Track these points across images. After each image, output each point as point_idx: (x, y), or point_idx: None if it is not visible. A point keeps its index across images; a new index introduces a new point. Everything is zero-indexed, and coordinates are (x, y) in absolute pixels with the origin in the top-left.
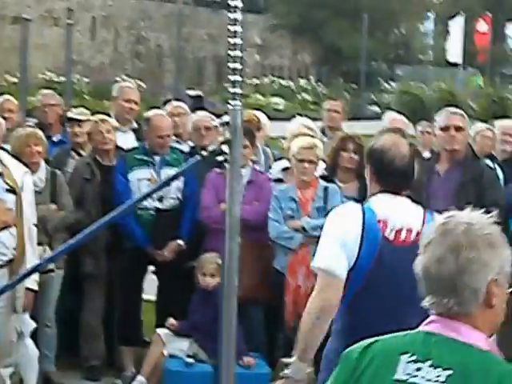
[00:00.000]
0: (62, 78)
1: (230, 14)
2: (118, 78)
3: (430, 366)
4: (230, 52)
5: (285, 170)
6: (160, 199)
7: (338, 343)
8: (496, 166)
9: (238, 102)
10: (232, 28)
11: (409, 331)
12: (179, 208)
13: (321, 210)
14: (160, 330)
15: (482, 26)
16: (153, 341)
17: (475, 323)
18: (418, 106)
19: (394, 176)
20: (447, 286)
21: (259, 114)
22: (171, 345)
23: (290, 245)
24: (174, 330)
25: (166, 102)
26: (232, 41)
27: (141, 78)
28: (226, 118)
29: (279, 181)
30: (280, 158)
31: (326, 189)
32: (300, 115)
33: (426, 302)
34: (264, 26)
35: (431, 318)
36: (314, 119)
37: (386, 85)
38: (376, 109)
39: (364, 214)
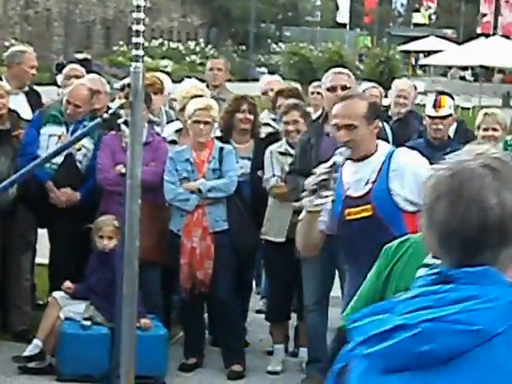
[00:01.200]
0: None
1: None
2: (6, 42)
3: None
4: (133, 14)
5: (178, 131)
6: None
7: None
8: (386, 126)
9: (139, 64)
10: None
11: None
12: (84, 172)
13: (216, 172)
14: (56, 293)
15: None
16: (49, 304)
17: None
18: (307, 67)
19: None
20: None
21: (162, 75)
22: (67, 308)
23: (185, 207)
24: (71, 293)
25: (58, 66)
26: (135, 2)
27: (29, 42)
28: (125, 81)
29: (173, 142)
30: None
31: (221, 150)
32: (189, 77)
33: None
34: None
35: None
36: (203, 81)
37: (275, 46)
38: (264, 70)
39: None
